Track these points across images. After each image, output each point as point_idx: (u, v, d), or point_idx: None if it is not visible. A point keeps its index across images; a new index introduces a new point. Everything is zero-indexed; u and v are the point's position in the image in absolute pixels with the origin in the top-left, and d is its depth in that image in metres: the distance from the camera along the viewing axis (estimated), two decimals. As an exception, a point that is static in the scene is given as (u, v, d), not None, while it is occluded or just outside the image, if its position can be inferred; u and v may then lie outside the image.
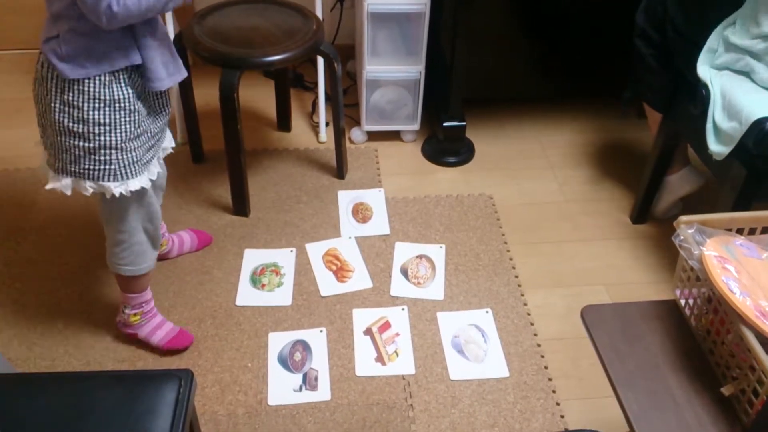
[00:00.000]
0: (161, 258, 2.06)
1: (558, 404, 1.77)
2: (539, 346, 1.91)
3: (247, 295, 2.02)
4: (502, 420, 1.73)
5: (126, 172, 1.57)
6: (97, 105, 1.49)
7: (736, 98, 1.71)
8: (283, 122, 2.68)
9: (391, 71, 2.46)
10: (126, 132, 1.54)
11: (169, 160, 1.84)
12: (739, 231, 1.22)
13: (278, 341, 1.90)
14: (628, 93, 2.22)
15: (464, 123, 2.51)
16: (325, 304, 2.00)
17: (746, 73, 1.76)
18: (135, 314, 1.82)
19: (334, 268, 2.11)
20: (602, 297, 2.07)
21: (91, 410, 1.21)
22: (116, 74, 1.49)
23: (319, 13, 2.42)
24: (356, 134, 2.62)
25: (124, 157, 1.56)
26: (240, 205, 2.27)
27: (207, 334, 1.91)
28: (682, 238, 1.16)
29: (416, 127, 2.60)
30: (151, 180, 1.65)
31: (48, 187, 1.60)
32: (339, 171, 2.45)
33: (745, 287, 1.07)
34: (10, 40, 2.95)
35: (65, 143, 1.53)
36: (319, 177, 2.46)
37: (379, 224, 2.27)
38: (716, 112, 1.76)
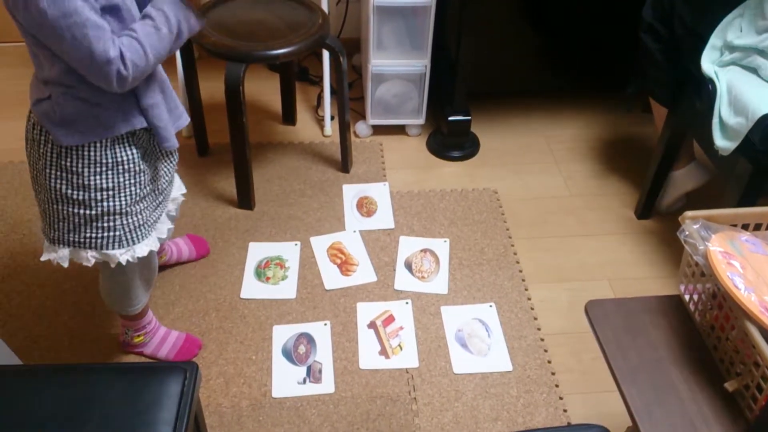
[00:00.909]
0: (158, 267, 2.04)
1: (561, 398, 1.78)
2: (543, 340, 1.91)
3: (251, 288, 2.03)
4: (505, 414, 1.73)
5: (132, 237, 1.45)
6: (99, 169, 1.36)
7: (743, 93, 1.70)
8: (288, 116, 2.68)
9: (397, 65, 2.46)
10: (131, 195, 1.42)
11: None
12: (745, 227, 1.22)
13: (282, 334, 1.90)
14: (632, 88, 2.21)
15: (469, 117, 2.51)
16: (329, 298, 2.01)
17: (753, 69, 1.75)
18: (138, 336, 1.79)
19: (338, 261, 2.12)
20: (606, 292, 2.06)
21: (96, 402, 1.21)
22: (118, 136, 1.36)
23: (324, 6, 2.42)
24: (361, 128, 2.62)
25: (130, 221, 1.44)
26: (245, 199, 2.27)
27: (211, 327, 1.92)
28: (687, 233, 1.16)
29: (421, 121, 2.60)
30: (159, 238, 1.54)
31: (42, 258, 1.47)
32: (344, 165, 2.45)
33: (750, 283, 1.07)
34: (13, 32, 2.94)
35: (63, 211, 1.40)
36: (324, 171, 2.46)
37: (383, 218, 2.27)
38: (722, 108, 1.75)
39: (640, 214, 2.31)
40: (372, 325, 1.94)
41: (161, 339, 1.82)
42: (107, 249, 1.44)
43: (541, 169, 2.52)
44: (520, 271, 2.11)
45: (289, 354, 1.86)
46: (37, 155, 1.38)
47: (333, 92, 2.59)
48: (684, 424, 1.06)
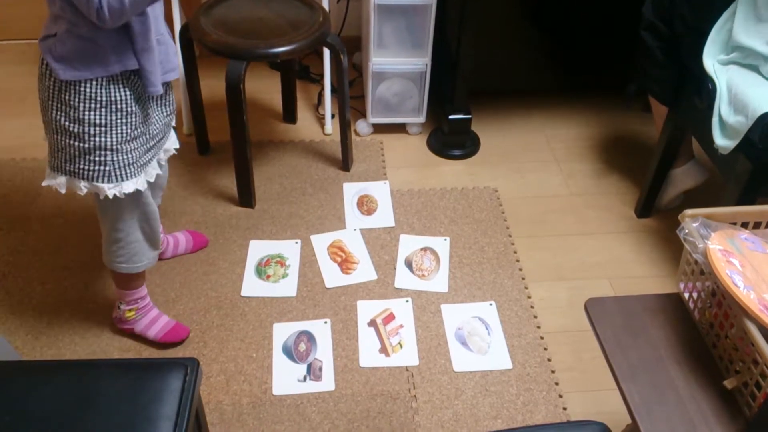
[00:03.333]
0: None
1: (561, 396, 1.78)
2: (542, 338, 1.92)
3: (252, 286, 2.03)
4: (505, 411, 1.74)
5: (121, 174, 1.55)
6: (92, 105, 1.46)
7: (743, 92, 1.70)
8: (289, 114, 2.68)
9: (397, 63, 2.46)
10: (122, 134, 1.51)
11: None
12: (744, 225, 1.22)
13: (283, 332, 1.91)
14: (633, 86, 2.21)
15: (470, 116, 2.51)
16: (329, 296, 2.01)
17: (754, 67, 1.76)
18: (130, 310, 1.82)
19: (338, 259, 2.12)
20: (606, 290, 2.07)
21: (97, 398, 1.22)
22: (113, 76, 1.46)
23: (325, 4, 2.42)
24: (362, 126, 2.62)
25: (120, 158, 1.53)
26: (245, 197, 2.27)
27: (212, 324, 1.92)
28: (686, 231, 1.16)
29: (422, 119, 2.60)
30: (148, 181, 1.62)
31: (43, 183, 1.59)
32: (344, 163, 2.45)
33: (749, 281, 1.07)
34: (15, 30, 2.96)
35: (61, 142, 1.51)
36: (325, 169, 2.46)
37: (384, 216, 2.28)
38: (722, 106, 1.75)
39: (640, 212, 2.32)
40: (372, 323, 1.94)
41: (152, 320, 1.85)
42: (97, 181, 1.54)
43: (542, 167, 2.52)
44: (520, 270, 2.11)
45: (289, 352, 1.86)
46: (43, 88, 1.49)
47: (333, 90, 2.60)
48: (683, 422, 1.07)
